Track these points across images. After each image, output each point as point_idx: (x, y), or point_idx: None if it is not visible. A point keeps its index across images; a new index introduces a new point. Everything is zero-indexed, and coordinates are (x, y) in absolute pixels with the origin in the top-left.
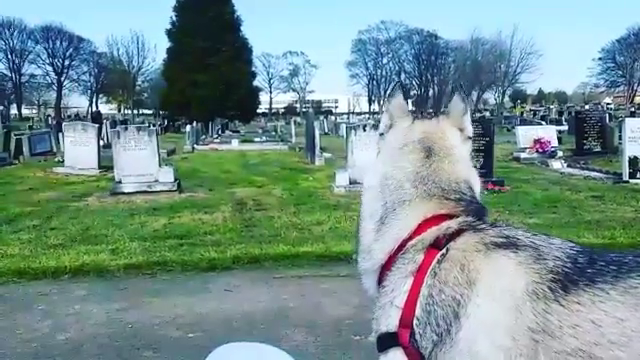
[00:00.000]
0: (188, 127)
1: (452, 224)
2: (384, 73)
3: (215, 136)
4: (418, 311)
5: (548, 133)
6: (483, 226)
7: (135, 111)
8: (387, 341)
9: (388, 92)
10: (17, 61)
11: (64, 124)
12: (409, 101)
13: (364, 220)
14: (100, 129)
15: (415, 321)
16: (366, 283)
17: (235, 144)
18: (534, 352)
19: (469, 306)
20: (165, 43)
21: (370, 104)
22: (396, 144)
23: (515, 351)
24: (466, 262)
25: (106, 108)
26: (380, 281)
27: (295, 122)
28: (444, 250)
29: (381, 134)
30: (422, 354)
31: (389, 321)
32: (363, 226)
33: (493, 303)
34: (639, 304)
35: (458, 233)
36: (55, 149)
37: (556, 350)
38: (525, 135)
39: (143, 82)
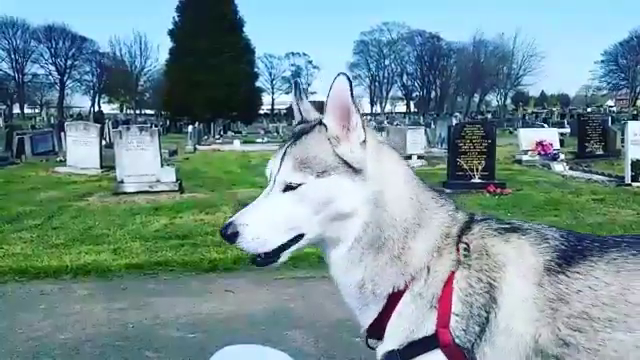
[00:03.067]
0: (190, 127)
1: (461, 218)
2: (386, 75)
3: (217, 137)
4: (457, 307)
5: (550, 136)
6: (479, 217)
7: (137, 111)
8: (421, 347)
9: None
10: (20, 61)
11: (66, 124)
12: (411, 103)
13: (406, 238)
14: (102, 129)
15: (455, 318)
16: (372, 303)
17: (237, 145)
18: (553, 320)
19: (504, 287)
20: (168, 43)
21: (372, 105)
22: (383, 148)
23: (542, 322)
24: (490, 248)
25: (108, 108)
26: (402, 291)
27: None
28: (465, 242)
29: (364, 142)
30: (465, 349)
31: (427, 325)
32: (406, 244)
33: (523, 280)
34: (619, 271)
35: (469, 225)
36: (57, 149)
37: (567, 315)
38: (527, 138)
39: (145, 82)
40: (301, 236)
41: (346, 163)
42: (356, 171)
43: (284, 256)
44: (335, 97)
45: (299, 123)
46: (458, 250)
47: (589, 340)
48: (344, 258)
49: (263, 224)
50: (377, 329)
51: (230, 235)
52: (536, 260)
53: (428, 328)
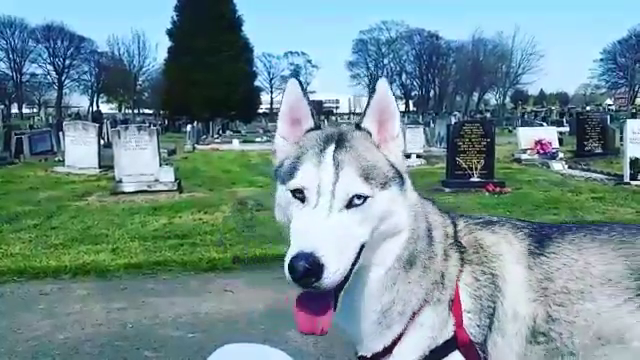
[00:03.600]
0: (189, 127)
1: (446, 216)
2: (385, 73)
3: (216, 136)
4: (468, 304)
5: (549, 134)
6: (453, 214)
7: (136, 111)
8: (442, 352)
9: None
10: (18, 60)
11: (65, 123)
12: (410, 102)
13: (430, 245)
14: (101, 128)
15: (467, 315)
16: (397, 323)
17: (236, 144)
18: (545, 298)
19: (505, 274)
20: (166, 43)
21: None
22: None
23: (538, 302)
24: (481, 241)
25: (107, 107)
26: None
27: None
28: (458, 240)
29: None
30: (479, 344)
31: (448, 328)
32: (432, 252)
33: (518, 266)
34: (580, 249)
35: (454, 222)
36: (55, 148)
37: (554, 292)
38: (526, 136)
39: (144, 82)
40: (358, 255)
41: (398, 173)
42: (403, 182)
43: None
44: (380, 101)
45: (313, 129)
46: (458, 248)
47: (568, 313)
48: (379, 282)
49: (340, 252)
50: (385, 351)
51: (312, 270)
52: (521, 246)
53: (449, 331)
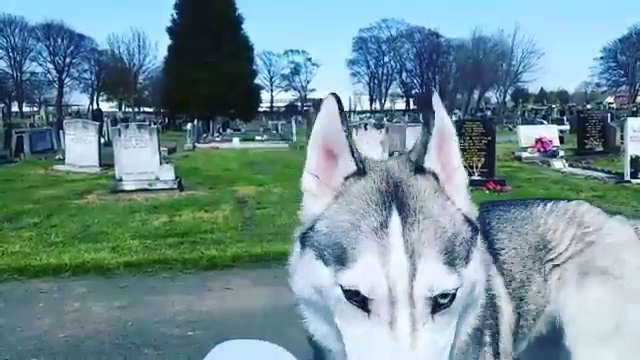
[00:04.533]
0: (189, 125)
1: None
2: (385, 72)
3: (216, 134)
4: (486, 335)
5: (550, 132)
6: None
7: (136, 109)
8: None
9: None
10: (18, 59)
11: (65, 122)
12: (411, 100)
13: None
14: (101, 127)
15: (484, 349)
16: None
17: (236, 142)
18: (518, 301)
19: (499, 289)
20: (166, 41)
21: (371, 103)
22: None
23: (514, 308)
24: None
25: (107, 106)
26: None
27: (296, 121)
28: None
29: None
30: None
31: None
32: None
33: (498, 278)
34: (510, 235)
35: None
36: (56, 147)
37: (517, 289)
38: (527, 134)
39: (144, 80)
40: None
41: (472, 223)
42: (477, 230)
43: None
44: (442, 127)
45: (355, 174)
46: None
47: (526, 303)
48: None
49: None
50: None
51: None
52: (488, 251)
53: None
